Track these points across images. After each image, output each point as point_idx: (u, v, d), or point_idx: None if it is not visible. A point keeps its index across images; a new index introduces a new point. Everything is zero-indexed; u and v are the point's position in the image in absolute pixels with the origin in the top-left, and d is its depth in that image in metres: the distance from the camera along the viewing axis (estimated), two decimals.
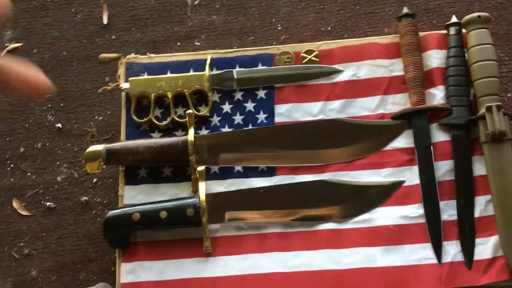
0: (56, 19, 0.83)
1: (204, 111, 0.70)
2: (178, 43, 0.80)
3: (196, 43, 0.80)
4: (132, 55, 0.74)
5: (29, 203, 0.75)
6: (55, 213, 0.75)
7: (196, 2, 0.81)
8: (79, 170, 0.76)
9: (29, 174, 0.76)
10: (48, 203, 0.75)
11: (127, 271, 0.64)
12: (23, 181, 0.76)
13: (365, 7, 0.79)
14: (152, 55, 0.74)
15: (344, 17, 0.79)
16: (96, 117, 0.78)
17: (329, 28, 0.79)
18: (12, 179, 0.76)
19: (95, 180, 0.75)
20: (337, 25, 0.79)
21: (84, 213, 0.74)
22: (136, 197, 0.67)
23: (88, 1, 0.82)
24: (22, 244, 0.74)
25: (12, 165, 0.77)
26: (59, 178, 0.76)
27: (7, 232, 0.74)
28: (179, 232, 0.66)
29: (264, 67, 0.71)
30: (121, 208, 0.67)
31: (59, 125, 0.78)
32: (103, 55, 0.80)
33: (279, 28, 0.79)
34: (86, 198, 0.75)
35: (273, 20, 0.80)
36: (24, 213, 0.75)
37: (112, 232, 0.65)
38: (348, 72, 0.70)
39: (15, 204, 0.75)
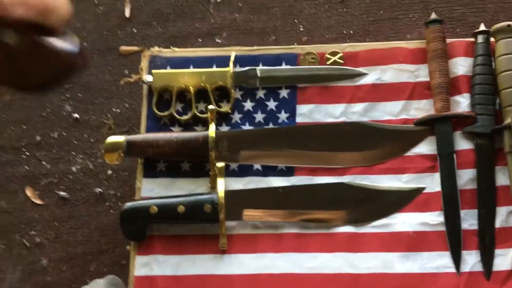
0: (78, 10, 0.82)
1: (225, 107, 0.70)
2: (199, 40, 0.80)
3: (217, 41, 0.80)
4: (156, 48, 0.74)
5: (43, 192, 0.75)
6: (68, 203, 0.74)
7: (219, 0, 0.81)
8: (94, 161, 0.75)
9: (44, 163, 0.76)
10: (61, 193, 0.74)
11: (141, 264, 0.64)
12: (37, 169, 0.76)
13: (389, 12, 0.79)
14: (176, 49, 0.74)
15: (367, 21, 0.79)
16: (114, 109, 0.77)
17: (351, 32, 0.78)
18: (26, 167, 0.76)
19: (110, 172, 0.75)
20: (359, 29, 0.79)
21: (97, 205, 0.74)
22: (153, 190, 0.67)
23: None
24: (33, 232, 0.73)
25: (27, 153, 0.77)
26: (74, 169, 0.75)
27: (19, 220, 0.74)
28: (195, 228, 0.65)
29: (288, 67, 0.70)
30: (139, 200, 0.66)
31: (77, 115, 0.77)
32: (124, 47, 0.80)
33: (301, 29, 0.79)
34: (100, 190, 0.74)
35: (295, 21, 0.80)
36: (37, 201, 0.75)
37: (128, 223, 0.64)
38: (373, 76, 0.69)
39: (28, 192, 0.75)
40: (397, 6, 0.79)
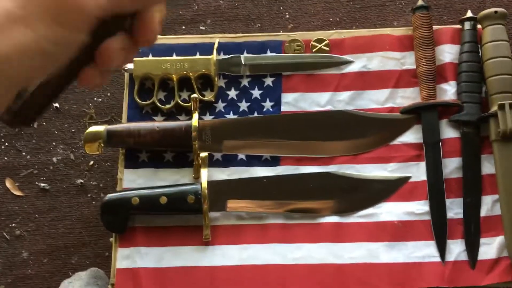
0: None
1: (209, 96, 0.68)
2: (183, 27, 0.78)
3: (201, 28, 0.78)
4: None
5: (23, 183, 0.73)
6: (49, 195, 0.73)
7: None
8: (75, 152, 0.74)
9: (23, 153, 0.74)
10: (42, 184, 0.73)
11: (123, 257, 0.63)
12: (17, 160, 0.74)
13: (375, 0, 0.77)
14: (158, 36, 0.72)
15: (353, 8, 0.78)
16: (95, 99, 0.76)
17: (337, 19, 0.77)
18: (5, 158, 0.74)
19: (91, 162, 0.73)
20: (345, 16, 0.77)
21: (79, 196, 0.73)
22: (135, 181, 0.66)
23: None
24: (13, 225, 0.72)
25: (6, 144, 0.75)
26: (54, 159, 0.74)
27: None
28: (178, 219, 0.64)
29: (273, 54, 0.69)
30: (120, 191, 0.65)
31: (57, 105, 0.75)
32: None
33: (287, 16, 0.78)
34: (82, 181, 0.73)
35: (281, 8, 0.78)
36: (17, 193, 0.73)
37: (110, 215, 0.63)
38: (359, 63, 0.68)
39: (8, 184, 0.73)
40: None
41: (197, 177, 0.65)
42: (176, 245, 0.63)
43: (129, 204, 0.62)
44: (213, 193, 0.63)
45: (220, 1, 0.79)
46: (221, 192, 0.64)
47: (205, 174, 0.64)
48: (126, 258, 0.63)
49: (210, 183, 0.64)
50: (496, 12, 0.64)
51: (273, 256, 0.62)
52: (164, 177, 0.66)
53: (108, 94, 0.76)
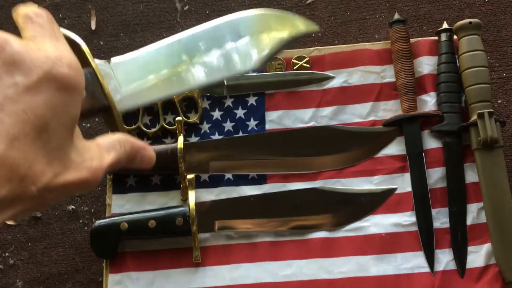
0: None
1: (194, 118, 0.69)
2: None
3: None
4: None
5: None
6: (41, 222, 0.73)
7: (185, 8, 0.80)
8: None
9: None
10: (34, 212, 0.73)
11: (114, 282, 0.63)
12: None
13: (356, 13, 0.78)
14: None
15: (334, 23, 0.79)
16: (84, 124, 0.76)
17: (319, 34, 0.78)
18: None
19: None
20: (327, 31, 0.78)
21: (71, 222, 0.73)
22: (124, 206, 0.66)
23: (76, 6, 0.81)
24: (7, 254, 0.72)
25: None
26: None
27: None
28: (168, 242, 0.65)
29: (255, 74, 0.70)
30: (109, 217, 0.65)
31: None
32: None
33: None
34: (73, 207, 0.73)
35: None
36: (9, 222, 0.73)
37: (99, 241, 0.63)
38: (340, 79, 0.69)
39: None
40: (363, 7, 0.79)
41: (185, 199, 0.66)
42: (167, 268, 0.64)
43: (118, 230, 0.63)
44: (202, 214, 0.64)
45: (203, 22, 0.80)
46: (209, 212, 0.64)
47: (193, 196, 0.64)
48: (117, 283, 0.63)
49: (198, 204, 0.64)
50: (470, 23, 0.65)
51: (263, 275, 0.63)
52: (153, 201, 0.66)
53: (96, 119, 0.76)
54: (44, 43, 0.30)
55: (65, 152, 0.29)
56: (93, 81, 0.35)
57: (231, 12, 0.78)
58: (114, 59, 0.38)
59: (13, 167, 0.26)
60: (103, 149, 0.32)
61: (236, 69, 0.40)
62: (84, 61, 0.35)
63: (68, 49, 0.31)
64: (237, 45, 0.40)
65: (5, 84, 0.27)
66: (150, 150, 0.36)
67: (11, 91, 0.27)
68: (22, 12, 0.32)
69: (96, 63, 0.36)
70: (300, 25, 0.43)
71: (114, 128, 0.37)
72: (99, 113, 0.36)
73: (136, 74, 0.38)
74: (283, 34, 0.42)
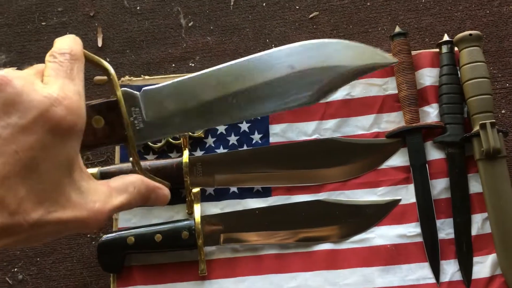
0: (50, 42, 0.82)
1: (198, 132, 0.70)
2: (173, 65, 0.80)
3: (190, 64, 0.80)
4: (127, 77, 0.74)
5: None
6: None
7: (190, 24, 0.82)
8: None
9: None
10: (41, 242, 0.74)
11: None
12: None
13: (358, 27, 0.79)
14: (147, 77, 0.75)
15: (337, 36, 0.80)
16: None
17: None
18: None
19: None
20: None
21: (78, 237, 0.74)
22: (130, 220, 0.67)
23: (82, 24, 0.83)
24: (16, 269, 0.73)
25: None
26: None
27: (0, 258, 0.73)
28: (174, 255, 0.65)
29: None
30: (116, 231, 0.66)
31: None
32: (98, 77, 0.80)
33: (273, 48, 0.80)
34: None
35: (267, 40, 0.80)
36: None
37: (106, 256, 0.64)
38: (342, 91, 0.70)
39: None
40: (366, 20, 0.79)
41: (190, 213, 0.66)
42: (173, 281, 0.64)
43: (125, 244, 0.63)
44: (207, 227, 0.64)
45: (208, 37, 0.81)
46: (215, 226, 0.65)
47: (198, 209, 0.65)
48: None
49: (204, 217, 0.65)
50: (471, 35, 0.65)
51: (269, 287, 0.63)
52: (159, 214, 0.67)
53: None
54: (54, 82, 0.30)
55: (62, 192, 0.29)
56: (115, 110, 0.35)
57: (234, 28, 0.80)
58: (146, 88, 0.37)
59: (3, 204, 0.27)
60: (114, 191, 0.33)
61: (285, 105, 0.37)
62: (113, 89, 0.36)
63: (76, 91, 0.31)
64: (288, 80, 0.37)
65: (1, 125, 0.27)
66: (165, 190, 0.36)
67: (6, 132, 0.27)
68: (54, 46, 0.33)
69: (125, 91, 0.36)
70: (372, 57, 0.38)
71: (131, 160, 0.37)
72: (117, 142, 0.37)
73: (164, 105, 0.37)
74: (345, 67, 0.38)
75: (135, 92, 0.37)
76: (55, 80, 0.31)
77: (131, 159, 0.37)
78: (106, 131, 0.35)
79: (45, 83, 0.30)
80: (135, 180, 0.34)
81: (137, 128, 0.36)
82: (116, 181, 0.34)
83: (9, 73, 0.29)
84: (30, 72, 0.32)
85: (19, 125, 0.28)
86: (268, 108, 0.37)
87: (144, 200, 0.35)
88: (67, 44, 0.33)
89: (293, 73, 0.37)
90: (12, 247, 0.29)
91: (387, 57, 0.39)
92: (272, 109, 0.38)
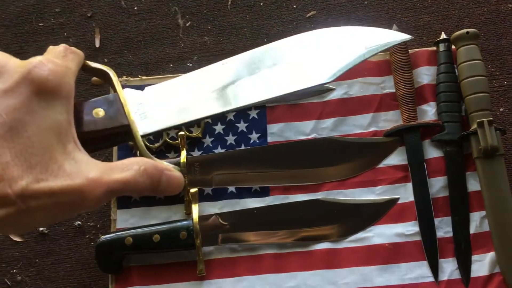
0: (48, 43, 0.83)
1: (196, 132, 0.70)
2: (171, 65, 0.80)
3: (188, 64, 0.80)
4: (124, 77, 0.74)
5: None
6: (48, 238, 0.74)
7: (187, 24, 0.82)
8: None
9: None
10: (40, 228, 0.74)
11: None
12: None
13: (356, 25, 0.79)
14: (144, 77, 0.75)
15: None
16: None
17: None
18: None
19: None
20: None
21: (77, 238, 0.74)
22: (128, 221, 0.67)
23: (80, 25, 0.83)
24: (15, 271, 0.73)
25: None
26: None
27: None
28: (173, 256, 0.65)
29: None
30: (114, 232, 0.66)
31: None
32: (96, 78, 0.80)
33: None
34: (79, 223, 0.74)
35: (265, 40, 0.80)
36: (17, 239, 0.74)
37: (104, 257, 0.64)
38: (340, 90, 0.70)
39: None
40: (364, 19, 0.79)
41: (189, 213, 0.66)
42: (172, 282, 0.64)
43: (123, 245, 0.63)
44: (205, 227, 0.64)
45: (205, 37, 0.81)
46: (213, 226, 0.65)
47: (196, 209, 0.65)
48: None
49: (202, 217, 0.65)
50: (468, 33, 0.65)
51: (267, 287, 0.63)
52: (157, 215, 0.67)
53: None
54: (40, 56, 0.30)
55: (55, 160, 0.28)
56: (116, 103, 0.35)
57: (232, 28, 0.80)
58: (148, 88, 0.38)
59: None
60: (115, 167, 0.31)
61: (303, 84, 0.37)
62: (114, 88, 0.36)
63: (64, 64, 0.31)
64: (298, 62, 0.38)
65: None
66: (176, 172, 0.34)
67: None
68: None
69: (128, 91, 0.36)
70: (381, 37, 0.40)
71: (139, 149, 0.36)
72: (120, 136, 0.36)
73: (167, 102, 0.37)
74: (358, 47, 0.39)
75: (139, 90, 0.38)
76: (42, 56, 0.31)
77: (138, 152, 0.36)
78: (106, 121, 0.35)
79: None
80: (139, 159, 0.32)
81: (139, 121, 0.36)
82: (120, 161, 0.32)
83: None
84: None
85: (2, 89, 0.27)
86: (290, 87, 0.37)
87: (154, 182, 0.32)
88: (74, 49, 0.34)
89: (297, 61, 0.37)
90: (5, 228, 0.27)
91: (402, 34, 0.40)
92: (291, 89, 0.37)
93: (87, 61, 0.37)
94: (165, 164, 0.34)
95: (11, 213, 0.27)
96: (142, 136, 0.36)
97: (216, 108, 0.36)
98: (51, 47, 0.34)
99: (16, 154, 0.27)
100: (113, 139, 0.36)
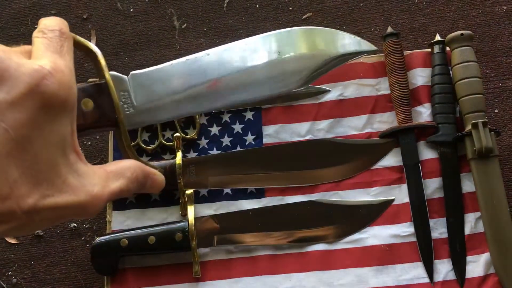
0: None
1: (192, 134, 0.70)
2: None
3: None
4: None
5: None
6: (43, 241, 0.74)
7: (183, 26, 0.82)
8: None
9: None
10: (36, 230, 0.74)
11: None
12: None
13: (351, 27, 0.79)
14: None
15: None
16: (84, 142, 0.78)
17: None
18: None
19: None
20: None
21: (72, 240, 0.73)
22: (124, 223, 0.67)
23: (76, 26, 0.83)
24: (10, 273, 0.73)
25: None
26: None
27: None
28: (168, 257, 0.65)
29: None
30: (109, 234, 0.66)
31: None
32: (91, 80, 0.80)
33: None
34: (75, 225, 0.74)
35: None
36: (12, 241, 0.74)
37: (100, 259, 0.64)
38: (335, 92, 0.70)
39: None
40: (359, 21, 0.80)
41: (184, 214, 0.66)
42: (167, 283, 0.64)
43: (118, 246, 0.63)
44: (201, 229, 0.64)
45: (202, 39, 0.81)
46: (209, 227, 0.65)
47: (192, 211, 0.65)
48: None
49: (197, 219, 0.65)
50: (462, 34, 0.66)
51: None
52: (152, 216, 0.67)
53: (97, 137, 0.77)
54: (44, 56, 0.29)
55: (59, 174, 0.28)
56: (105, 93, 0.34)
57: (228, 30, 0.80)
58: (134, 72, 0.37)
59: None
60: (111, 176, 0.31)
61: (272, 91, 0.37)
62: (100, 72, 0.35)
63: (67, 66, 0.29)
64: (274, 64, 0.37)
65: None
66: (160, 175, 0.35)
67: None
68: (40, 24, 0.31)
69: (113, 75, 0.35)
70: (352, 44, 0.41)
71: (121, 145, 0.36)
72: (107, 127, 0.36)
73: (154, 89, 0.36)
74: (330, 52, 0.39)
75: (123, 76, 0.37)
76: (44, 54, 0.29)
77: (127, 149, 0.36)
78: (95, 114, 0.34)
79: (33, 58, 0.28)
80: (132, 165, 0.33)
81: (127, 112, 0.35)
82: (113, 166, 0.32)
83: None
84: (16, 49, 0.30)
85: (8, 101, 0.25)
86: (254, 93, 0.37)
87: (140, 186, 0.33)
88: (55, 23, 0.32)
89: (280, 59, 0.37)
90: (3, 236, 0.27)
91: (370, 45, 0.41)
92: (258, 94, 0.37)
93: (76, 36, 0.35)
94: (150, 168, 0.35)
95: (14, 227, 0.27)
96: (129, 129, 0.35)
97: (199, 107, 0.37)
98: (45, 25, 0.31)
99: (23, 171, 0.26)
100: (98, 129, 0.35)
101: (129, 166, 0.33)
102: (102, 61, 0.35)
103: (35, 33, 0.31)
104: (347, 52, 0.40)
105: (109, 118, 0.34)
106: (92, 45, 0.35)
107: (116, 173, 0.32)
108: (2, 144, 0.25)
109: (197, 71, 0.37)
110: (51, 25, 0.31)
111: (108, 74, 0.35)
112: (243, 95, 0.37)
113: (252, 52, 0.37)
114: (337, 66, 0.39)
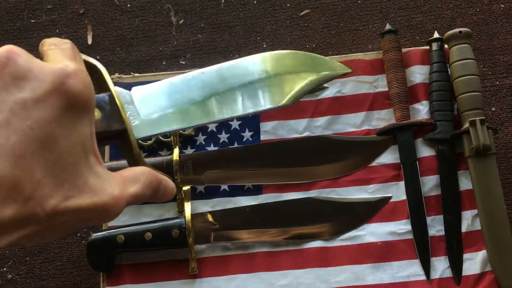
0: (40, 40, 0.81)
1: (189, 130, 0.70)
2: (164, 62, 0.80)
3: (181, 62, 0.80)
4: (116, 75, 0.74)
5: None
6: None
7: (181, 22, 0.81)
8: None
9: None
10: (54, 238, 0.73)
11: None
12: None
13: (349, 24, 0.79)
14: (137, 74, 0.74)
15: (328, 34, 0.80)
16: None
17: (313, 46, 0.79)
18: None
19: None
20: (321, 42, 0.79)
21: (68, 236, 0.73)
22: (120, 219, 0.66)
23: (72, 22, 0.82)
24: (5, 269, 0.72)
25: None
26: None
27: None
28: (165, 254, 0.65)
29: None
30: (105, 230, 0.65)
31: None
32: None
33: (264, 46, 0.80)
34: None
35: (258, 38, 0.80)
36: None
37: (95, 255, 0.64)
38: (333, 89, 0.70)
39: None
40: (357, 18, 0.79)
41: (181, 211, 0.66)
42: (164, 280, 0.64)
43: (115, 243, 0.63)
44: (198, 225, 0.64)
45: (199, 35, 0.81)
46: (205, 224, 0.65)
47: (189, 207, 0.65)
48: None
49: (194, 215, 0.65)
50: (460, 32, 0.66)
51: (260, 285, 0.63)
52: (149, 213, 0.67)
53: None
54: (63, 61, 0.29)
55: (80, 175, 0.27)
56: (111, 104, 0.34)
57: (225, 26, 0.80)
58: (135, 88, 0.38)
59: (18, 187, 0.25)
60: (127, 181, 0.31)
61: (262, 106, 0.40)
62: (103, 86, 0.35)
63: (84, 69, 0.29)
64: (263, 83, 0.40)
65: (12, 99, 0.25)
66: (171, 182, 0.35)
67: (19, 106, 0.25)
68: (49, 41, 0.31)
69: (116, 90, 0.36)
70: (330, 68, 0.45)
71: (129, 154, 0.36)
72: (114, 139, 0.36)
73: (156, 103, 0.37)
74: (311, 75, 0.43)
75: (127, 90, 0.37)
76: (62, 59, 0.29)
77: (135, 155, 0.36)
78: (103, 124, 0.34)
79: (52, 64, 0.28)
80: (145, 170, 0.33)
81: (133, 124, 0.36)
82: (127, 171, 0.32)
83: (17, 47, 0.27)
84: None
85: (34, 99, 0.25)
86: (245, 108, 0.40)
87: (154, 192, 0.33)
88: (64, 40, 0.32)
89: (268, 77, 0.40)
90: (16, 242, 0.27)
91: (344, 68, 0.47)
92: (249, 110, 0.40)
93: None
94: (162, 174, 0.35)
95: (34, 231, 0.26)
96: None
97: (199, 120, 0.38)
98: (53, 39, 0.32)
99: (47, 170, 0.26)
100: (104, 141, 0.36)
101: (142, 171, 0.33)
102: (106, 75, 0.36)
103: (45, 47, 0.31)
104: (328, 74, 0.45)
105: (116, 128, 0.35)
106: (92, 60, 0.36)
107: (132, 178, 0.32)
108: (27, 142, 0.25)
109: (196, 86, 0.39)
110: (60, 40, 0.32)
111: (113, 86, 0.35)
112: (234, 110, 0.40)
113: (243, 72, 0.41)
114: (319, 87, 0.44)
